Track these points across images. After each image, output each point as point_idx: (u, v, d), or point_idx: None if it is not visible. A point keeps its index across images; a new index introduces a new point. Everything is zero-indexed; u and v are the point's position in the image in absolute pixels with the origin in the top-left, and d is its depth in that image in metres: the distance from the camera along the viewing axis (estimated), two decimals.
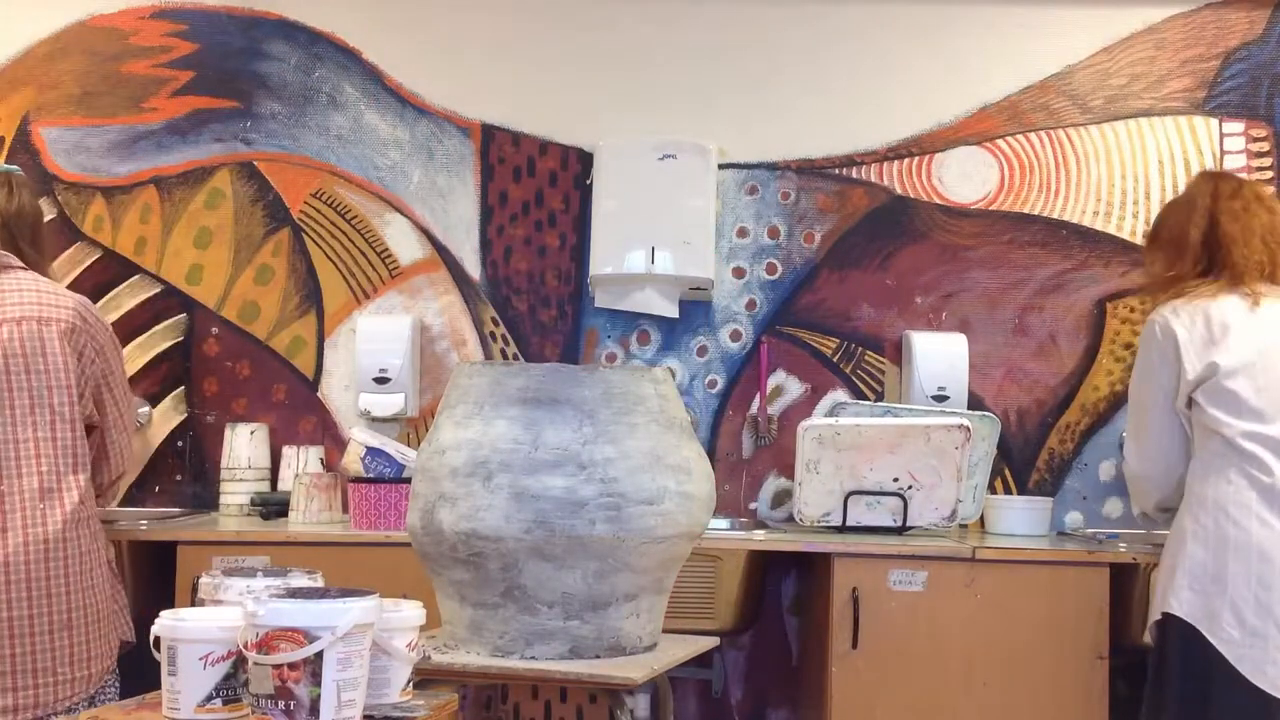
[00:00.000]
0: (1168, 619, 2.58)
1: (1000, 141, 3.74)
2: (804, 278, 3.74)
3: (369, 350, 3.62)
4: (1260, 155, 3.70)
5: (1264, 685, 2.47)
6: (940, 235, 3.73)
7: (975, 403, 3.62)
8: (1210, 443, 2.62)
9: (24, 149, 3.75)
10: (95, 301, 3.69)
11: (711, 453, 3.68)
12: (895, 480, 3.25)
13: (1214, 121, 3.71)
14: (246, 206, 3.77)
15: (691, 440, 2.31)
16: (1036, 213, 3.72)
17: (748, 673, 3.68)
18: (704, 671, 3.59)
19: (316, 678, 1.58)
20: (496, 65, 3.80)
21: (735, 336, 3.73)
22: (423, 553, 2.24)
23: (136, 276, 3.75)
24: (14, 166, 2.90)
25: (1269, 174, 3.68)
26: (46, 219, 3.73)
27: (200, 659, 1.66)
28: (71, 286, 3.69)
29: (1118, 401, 3.66)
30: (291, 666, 1.57)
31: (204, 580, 1.89)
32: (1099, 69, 3.74)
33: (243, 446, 3.56)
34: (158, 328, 3.74)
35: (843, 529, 3.26)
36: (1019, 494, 3.64)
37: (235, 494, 3.54)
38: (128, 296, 3.75)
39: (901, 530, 3.26)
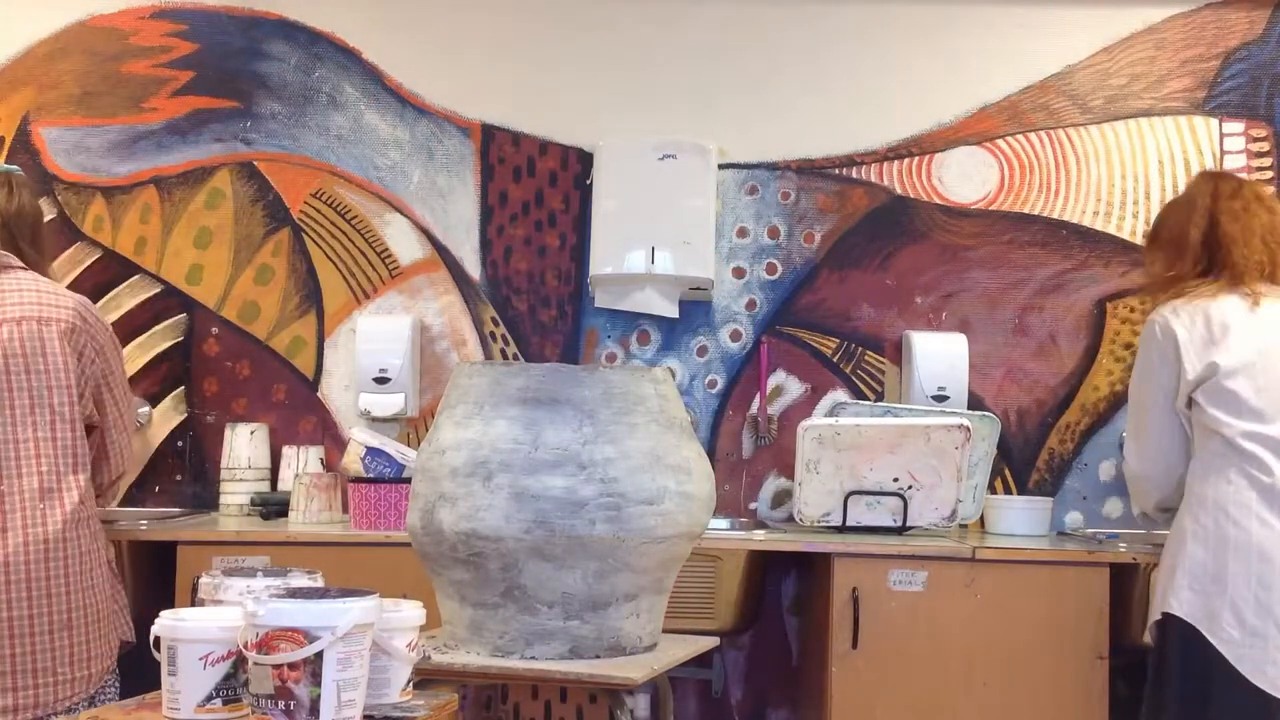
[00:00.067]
0: (1167, 619, 2.58)
1: (1000, 141, 3.74)
2: (804, 278, 3.74)
3: (369, 350, 3.62)
4: (1260, 155, 3.70)
5: (1264, 685, 2.47)
6: (940, 235, 3.73)
7: (975, 403, 3.62)
8: (1210, 443, 2.62)
9: (24, 149, 3.75)
10: (95, 301, 3.70)
11: (711, 453, 3.68)
12: (895, 480, 3.25)
13: (1214, 121, 3.71)
14: (246, 206, 3.77)
15: (691, 440, 2.31)
16: (1036, 213, 3.72)
17: (748, 673, 3.68)
18: (704, 671, 3.59)
19: (316, 678, 1.58)
20: (496, 65, 3.80)
21: (735, 336, 3.73)
22: (423, 553, 2.24)
23: (136, 276, 3.75)
24: (14, 166, 2.89)
25: (1269, 174, 3.68)
26: (46, 219, 3.74)
27: (200, 659, 1.66)
28: (71, 286, 3.69)
29: (1118, 401, 3.66)
30: (291, 666, 1.57)
31: (204, 580, 1.89)
32: (1099, 69, 3.74)
33: (243, 446, 3.56)
34: (158, 328, 3.74)
35: (843, 529, 3.26)
36: (1019, 494, 3.64)
37: (235, 494, 3.54)
38: (128, 296, 3.75)
39: (901, 530, 3.26)
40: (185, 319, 3.75)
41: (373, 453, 3.16)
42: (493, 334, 3.75)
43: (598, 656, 2.18)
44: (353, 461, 3.18)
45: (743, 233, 3.75)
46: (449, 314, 3.75)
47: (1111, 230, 3.71)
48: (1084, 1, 3.74)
